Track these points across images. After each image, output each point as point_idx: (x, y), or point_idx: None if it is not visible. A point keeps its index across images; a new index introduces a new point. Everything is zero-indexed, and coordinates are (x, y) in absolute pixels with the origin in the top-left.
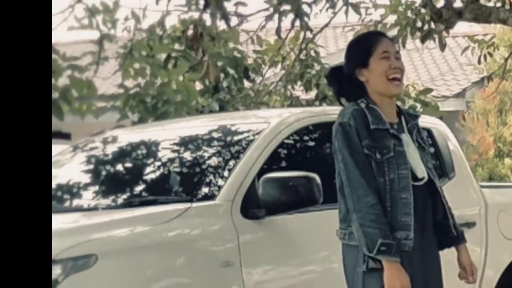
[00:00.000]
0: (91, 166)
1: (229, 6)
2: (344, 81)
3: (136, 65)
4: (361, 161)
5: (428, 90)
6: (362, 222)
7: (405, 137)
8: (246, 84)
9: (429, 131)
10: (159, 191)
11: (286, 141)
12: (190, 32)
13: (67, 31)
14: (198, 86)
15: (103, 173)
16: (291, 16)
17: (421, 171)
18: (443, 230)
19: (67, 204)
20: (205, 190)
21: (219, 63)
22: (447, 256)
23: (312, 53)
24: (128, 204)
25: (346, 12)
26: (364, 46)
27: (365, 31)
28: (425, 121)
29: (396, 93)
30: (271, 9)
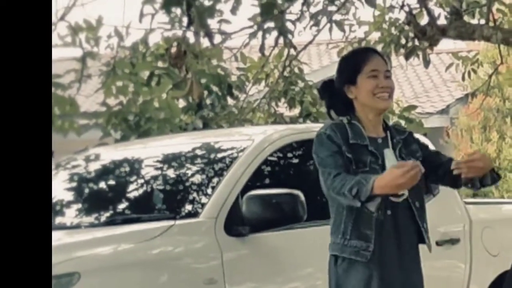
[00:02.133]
0: (74, 184)
1: (212, 24)
2: (334, 96)
3: (119, 83)
4: (333, 152)
5: (412, 107)
6: (337, 190)
7: (388, 152)
8: (230, 101)
9: None
10: (142, 208)
11: (270, 158)
12: (173, 49)
13: None
14: (182, 103)
15: (86, 191)
16: (275, 33)
17: None
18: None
19: None
20: (188, 207)
21: (203, 81)
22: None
23: (296, 70)
24: (111, 222)
25: (330, 29)
26: (353, 63)
27: (358, 47)
28: None
29: (383, 108)
30: (255, 27)
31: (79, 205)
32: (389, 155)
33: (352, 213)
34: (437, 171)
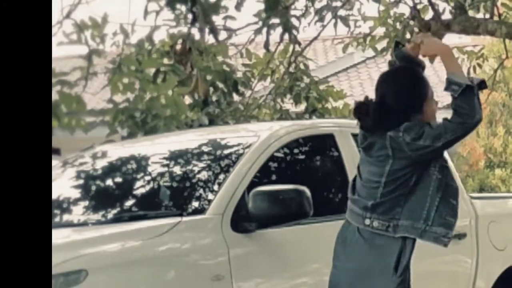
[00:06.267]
0: (81, 181)
1: (217, 20)
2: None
3: (125, 80)
4: None
5: None
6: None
7: None
8: (236, 97)
9: None
10: (149, 205)
11: (276, 154)
12: (178, 46)
13: (56, 47)
14: (187, 100)
15: (93, 188)
16: (280, 29)
17: None
18: None
19: (57, 219)
20: (195, 204)
21: (208, 77)
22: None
23: (301, 66)
24: (118, 219)
25: (335, 25)
26: (419, 92)
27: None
28: None
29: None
30: (260, 23)
31: (86, 203)
32: None
33: (435, 200)
34: None
